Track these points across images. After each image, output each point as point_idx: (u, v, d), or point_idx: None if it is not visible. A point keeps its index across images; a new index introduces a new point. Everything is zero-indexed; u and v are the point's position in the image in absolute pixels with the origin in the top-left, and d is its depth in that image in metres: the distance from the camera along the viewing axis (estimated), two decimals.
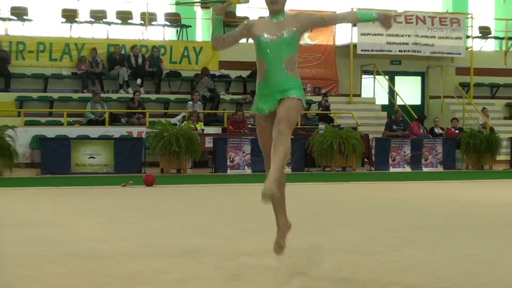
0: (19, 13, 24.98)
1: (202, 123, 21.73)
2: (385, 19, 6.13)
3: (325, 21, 6.26)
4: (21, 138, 19.39)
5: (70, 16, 25.38)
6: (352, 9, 5.09)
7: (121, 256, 7.34)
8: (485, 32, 29.70)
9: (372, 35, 26.10)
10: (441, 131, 23.50)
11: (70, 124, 21.38)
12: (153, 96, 23.88)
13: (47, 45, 24.16)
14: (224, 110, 23.17)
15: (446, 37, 26.86)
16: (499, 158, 22.58)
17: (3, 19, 24.95)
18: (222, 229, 9.50)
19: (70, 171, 18.75)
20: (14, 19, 25.01)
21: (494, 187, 16.14)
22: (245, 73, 25.50)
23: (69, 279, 6.23)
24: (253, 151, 19.69)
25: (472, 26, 28.75)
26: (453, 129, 23.52)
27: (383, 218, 10.71)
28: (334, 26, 26.52)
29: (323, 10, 26.69)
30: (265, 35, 5.77)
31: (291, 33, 5.75)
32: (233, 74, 25.44)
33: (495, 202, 12.77)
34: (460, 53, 27.20)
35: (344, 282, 6.21)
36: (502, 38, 29.57)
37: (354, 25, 25.97)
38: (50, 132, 20.30)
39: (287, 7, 5.98)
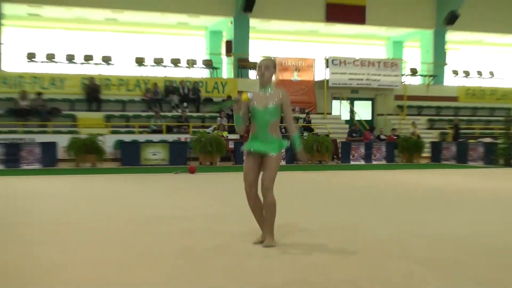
0: (106, 60, 25.13)
1: (227, 132, 21.76)
2: (301, 155, 5.68)
3: (285, 115, 5.75)
4: (108, 142, 19.51)
5: (140, 61, 25.49)
6: (296, 131, 4.58)
7: (175, 218, 7.47)
8: (414, 72, 29.73)
9: (339, 73, 26.13)
10: (384, 137, 23.50)
11: (140, 132, 21.43)
12: (195, 114, 23.88)
13: (124, 80, 24.24)
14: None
15: (388, 75, 26.85)
16: (423, 155, 22.60)
17: (97, 64, 25.07)
18: (238, 201, 9.60)
19: (139, 163, 18.84)
20: (103, 64, 25.13)
21: (420, 174, 16.20)
22: None
23: (141, 232, 6.36)
24: None
25: (405, 68, 28.78)
26: (393, 136, 23.52)
27: (344, 193, 10.82)
28: (313, 68, 26.72)
29: (303, 57, 26.81)
30: (257, 106, 5.60)
31: (274, 105, 5.56)
32: None
33: (419, 183, 12.87)
34: (397, 86, 27.21)
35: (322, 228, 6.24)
36: (425, 76, 29.59)
37: (327, 66, 26.06)
38: (127, 138, 20.38)
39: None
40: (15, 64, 24.45)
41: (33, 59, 24.25)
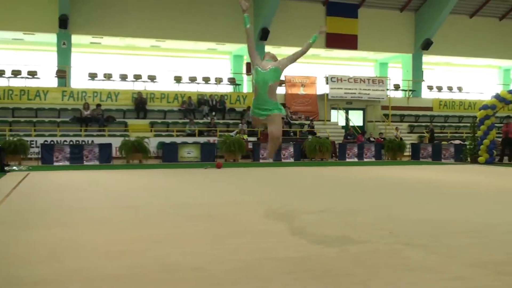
0: (151, 78, 25.22)
1: (247, 135, 21.75)
2: (320, 32, 5.97)
3: (296, 54, 5.93)
4: (152, 143, 19.58)
5: (178, 79, 25.55)
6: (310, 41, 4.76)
7: (203, 205, 7.40)
8: (396, 87, 29.54)
9: (337, 88, 26.12)
10: (373, 139, 23.35)
11: (177, 135, 21.44)
12: (221, 121, 23.91)
13: (166, 94, 24.32)
14: (258, 128, 23.19)
15: (376, 90, 26.80)
16: (405, 154, 22.38)
17: (144, 81, 25.15)
18: (256, 190, 9.51)
19: (177, 160, 18.86)
20: (149, 81, 25.21)
21: (402, 169, 16.01)
22: None
23: (178, 214, 6.28)
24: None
25: (389, 84, 28.60)
26: (380, 138, 23.37)
27: (340, 185, 10.69)
28: (315, 84, 26.67)
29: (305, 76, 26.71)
30: (260, 66, 5.58)
31: (274, 66, 5.55)
32: None
33: (401, 176, 12.72)
34: (383, 98, 27.12)
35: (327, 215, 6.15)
36: (406, 90, 29.40)
37: (327, 82, 26.01)
38: (167, 140, 20.38)
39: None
40: (80, 82, 24.59)
41: (94, 78, 24.39)
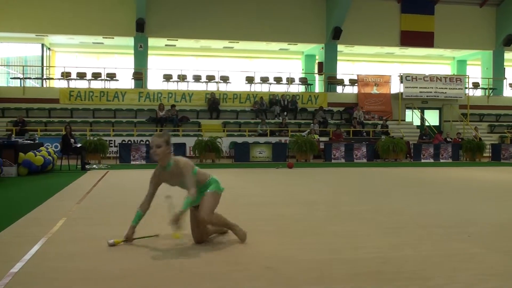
0: (224, 79, 25.57)
1: (318, 135, 21.59)
2: (174, 218, 4.22)
3: (184, 181, 4.45)
4: (225, 143, 19.78)
5: (250, 80, 25.74)
6: (190, 195, 3.85)
7: (273, 205, 7.41)
8: (476, 85, 28.33)
9: (411, 87, 25.48)
10: (450, 140, 22.52)
11: (249, 135, 21.58)
12: (292, 121, 23.86)
13: (238, 95, 24.59)
14: (329, 128, 22.95)
15: (453, 88, 25.89)
16: (484, 155, 21.43)
17: (217, 82, 25.54)
18: (327, 190, 9.42)
19: (249, 160, 18.97)
20: (222, 82, 25.57)
21: (481, 171, 15.32)
22: (341, 108, 25.21)
23: (247, 214, 6.28)
24: (346, 150, 19.47)
25: (468, 82, 27.52)
26: (458, 139, 22.53)
27: (415, 186, 10.37)
28: (389, 83, 26.07)
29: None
30: (169, 184, 4.58)
31: (179, 181, 4.45)
32: (335, 109, 25.17)
33: (480, 178, 12.17)
34: (461, 97, 26.10)
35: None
36: (485, 89, 28.12)
37: (401, 81, 25.40)
38: (239, 139, 20.51)
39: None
40: (156, 83, 25.34)
41: (169, 80, 25.05)
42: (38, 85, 25.17)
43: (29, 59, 26.35)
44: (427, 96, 25.72)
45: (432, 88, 25.61)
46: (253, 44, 26.98)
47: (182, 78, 25.18)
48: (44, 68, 25.82)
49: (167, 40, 25.95)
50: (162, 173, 4.55)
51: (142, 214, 4.67)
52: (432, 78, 25.79)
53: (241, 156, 19.00)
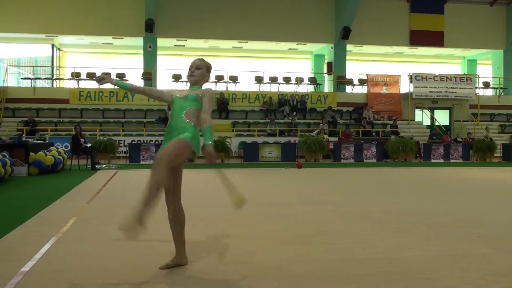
0: (233, 79, 25.56)
1: (327, 135, 21.54)
2: (208, 149, 4.07)
3: (202, 105, 4.00)
4: (234, 143, 19.76)
5: (259, 80, 25.74)
6: (209, 124, 3.58)
7: (282, 205, 7.41)
8: (486, 85, 28.16)
9: (421, 87, 25.37)
10: (461, 140, 22.39)
11: (258, 135, 21.57)
12: (302, 121, 23.80)
13: (247, 95, 24.58)
14: (339, 128, 22.87)
15: (464, 88, 25.70)
16: (495, 155, 21.27)
17: (226, 82, 25.56)
18: (335, 190, 9.40)
19: (258, 160, 18.96)
20: (231, 82, 25.58)
21: (491, 171, 15.23)
22: (350, 108, 25.14)
23: (255, 213, 6.28)
24: (356, 150, 19.43)
25: (478, 82, 27.37)
26: (468, 139, 22.39)
27: (424, 186, 10.32)
28: (399, 83, 26.01)
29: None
30: (177, 95, 4.05)
31: (194, 95, 3.96)
32: (344, 109, 25.09)
33: (491, 178, 12.09)
34: (472, 97, 25.91)
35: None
36: (496, 88, 27.92)
37: (411, 81, 25.29)
38: (248, 139, 20.53)
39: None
40: (165, 84, 25.40)
41: (178, 80, 25.10)
42: (48, 86, 25.32)
43: (39, 59, 26.52)
44: (437, 96, 25.58)
45: (442, 87, 25.47)
46: (262, 44, 26.98)
47: None
48: (54, 68, 26.00)
49: (176, 40, 26.03)
50: (183, 91, 4.14)
51: (127, 87, 4.23)
52: (442, 78, 25.64)
53: (250, 156, 18.99)
